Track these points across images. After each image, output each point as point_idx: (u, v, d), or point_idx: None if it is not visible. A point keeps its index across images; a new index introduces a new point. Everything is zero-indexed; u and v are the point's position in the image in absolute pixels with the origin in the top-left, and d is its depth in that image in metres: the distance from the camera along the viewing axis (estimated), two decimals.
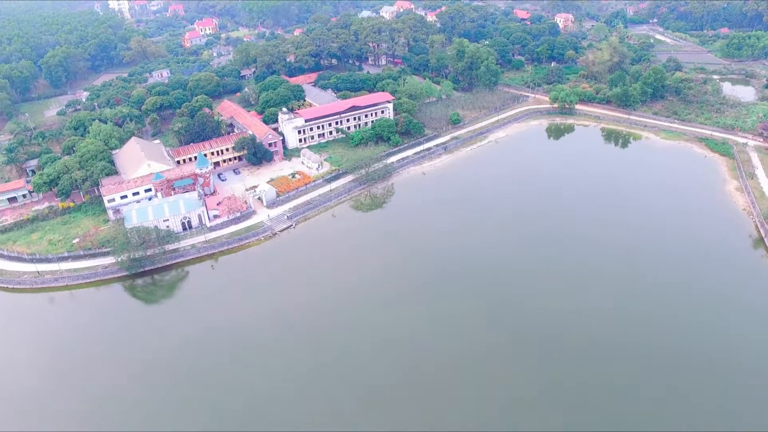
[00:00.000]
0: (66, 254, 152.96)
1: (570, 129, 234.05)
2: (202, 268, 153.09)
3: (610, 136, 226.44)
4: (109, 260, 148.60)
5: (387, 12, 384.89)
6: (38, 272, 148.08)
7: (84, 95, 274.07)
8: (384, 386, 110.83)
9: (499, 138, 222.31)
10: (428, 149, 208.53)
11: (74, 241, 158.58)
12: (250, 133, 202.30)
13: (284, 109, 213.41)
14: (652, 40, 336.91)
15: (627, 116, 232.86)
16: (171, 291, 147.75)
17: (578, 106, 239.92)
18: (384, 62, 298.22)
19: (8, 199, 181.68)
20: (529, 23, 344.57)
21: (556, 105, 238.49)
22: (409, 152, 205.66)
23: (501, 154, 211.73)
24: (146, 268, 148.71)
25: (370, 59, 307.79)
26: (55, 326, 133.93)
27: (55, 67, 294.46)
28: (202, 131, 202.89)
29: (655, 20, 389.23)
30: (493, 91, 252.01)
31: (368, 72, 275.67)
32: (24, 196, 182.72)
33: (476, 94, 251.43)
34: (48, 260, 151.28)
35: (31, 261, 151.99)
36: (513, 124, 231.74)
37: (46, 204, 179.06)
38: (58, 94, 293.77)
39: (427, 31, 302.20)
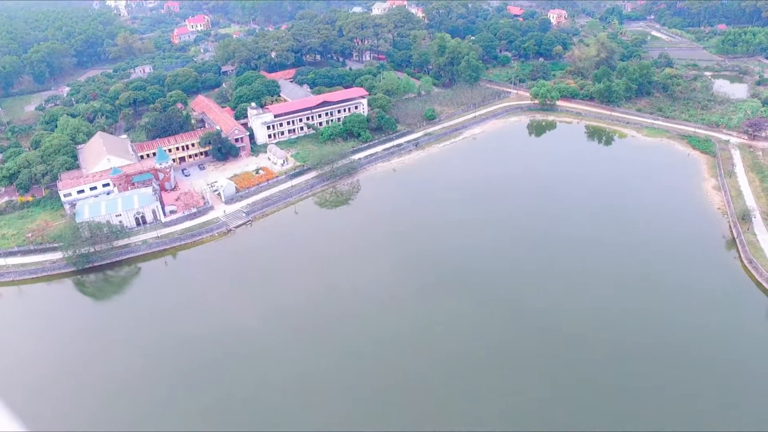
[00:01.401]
0: (15, 249, 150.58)
1: (551, 126, 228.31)
2: (155, 264, 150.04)
3: (592, 133, 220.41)
4: (57, 255, 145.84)
5: (378, 9, 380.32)
6: None
7: (66, 90, 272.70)
8: (364, 387, 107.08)
9: (475, 134, 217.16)
10: (398, 145, 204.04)
11: (27, 236, 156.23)
12: (217, 128, 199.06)
13: (253, 104, 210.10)
14: (649, 38, 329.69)
15: (610, 113, 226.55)
16: (119, 287, 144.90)
17: (560, 103, 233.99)
18: (368, 58, 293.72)
19: None
20: (521, 20, 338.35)
21: (537, 101, 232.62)
22: (379, 148, 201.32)
23: (475, 151, 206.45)
24: (95, 264, 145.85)
25: (354, 55, 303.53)
26: None
27: (38, 62, 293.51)
28: (169, 126, 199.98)
29: (652, 17, 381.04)
30: (474, 87, 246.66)
31: (350, 68, 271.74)
32: None
33: (456, 90, 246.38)
34: None
35: None
36: (491, 121, 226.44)
37: (6, 198, 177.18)
38: (41, 89, 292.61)
39: (413, 26, 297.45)
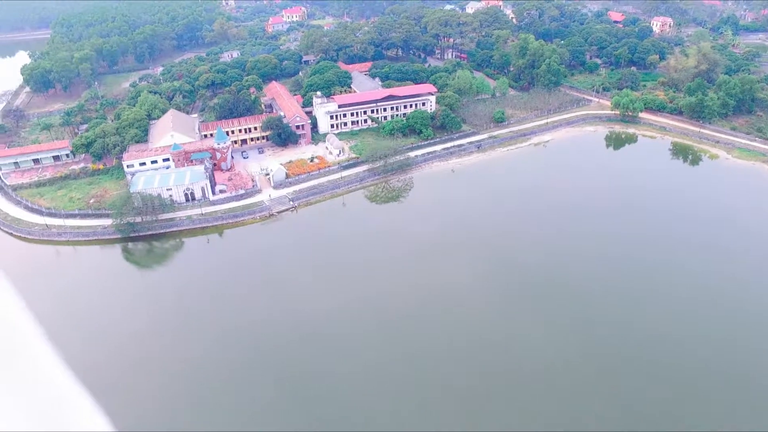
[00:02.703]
0: (76, 212, 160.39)
1: (631, 139, 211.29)
2: (197, 241, 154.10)
3: (676, 150, 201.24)
4: (109, 222, 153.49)
5: (472, 8, 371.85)
6: (47, 225, 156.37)
7: (159, 70, 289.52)
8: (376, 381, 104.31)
9: (544, 141, 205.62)
10: (460, 146, 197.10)
11: (89, 201, 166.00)
12: (281, 113, 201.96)
13: (318, 93, 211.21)
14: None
15: (699, 129, 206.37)
16: (162, 258, 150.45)
17: (644, 115, 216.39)
18: (450, 57, 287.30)
19: (53, 156, 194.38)
20: (620, 26, 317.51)
21: (617, 112, 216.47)
22: (438, 147, 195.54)
23: (542, 159, 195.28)
24: (140, 234, 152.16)
25: (436, 53, 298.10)
26: (46, 277, 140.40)
27: (141, 43, 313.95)
28: (236, 108, 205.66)
29: None
30: (553, 93, 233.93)
31: (430, 65, 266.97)
32: (67, 155, 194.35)
33: (534, 94, 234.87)
34: (58, 215, 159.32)
35: (45, 214, 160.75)
36: (564, 129, 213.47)
37: (82, 165, 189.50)
38: (140, 68, 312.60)
39: (501, 27, 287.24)
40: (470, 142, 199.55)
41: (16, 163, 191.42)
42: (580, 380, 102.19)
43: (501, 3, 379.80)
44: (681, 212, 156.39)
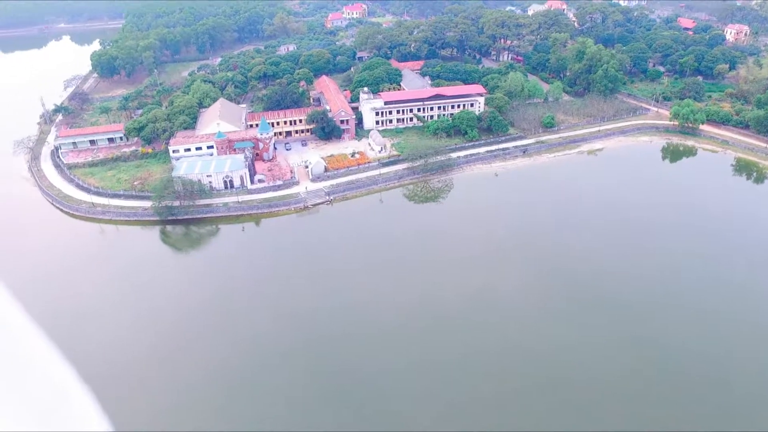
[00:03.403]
0: (121, 192, 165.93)
1: (689, 152, 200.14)
2: (232, 228, 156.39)
3: (740, 166, 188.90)
4: (149, 203, 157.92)
5: (533, 10, 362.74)
6: (92, 204, 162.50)
7: (217, 61, 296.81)
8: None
9: (594, 149, 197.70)
10: (504, 149, 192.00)
11: (134, 183, 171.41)
12: (327, 108, 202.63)
13: (365, 89, 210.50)
14: None
15: (766, 145, 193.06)
16: (197, 243, 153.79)
17: (705, 127, 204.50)
18: (505, 58, 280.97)
19: (108, 138, 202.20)
20: (690, 33, 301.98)
21: (676, 122, 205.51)
22: (482, 149, 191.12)
23: (591, 167, 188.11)
24: (177, 217, 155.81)
25: (492, 54, 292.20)
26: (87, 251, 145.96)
27: (202, 34, 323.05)
28: (283, 100, 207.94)
29: None
30: (608, 100, 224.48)
31: (483, 66, 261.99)
32: (120, 138, 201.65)
33: (588, 100, 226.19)
34: (104, 194, 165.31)
35: (92, 193, 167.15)
36: (617, 137, 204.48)
37: (133, 148, 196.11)
38: (201, 59, 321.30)
39: (560, 30, 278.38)
40: (516, 146, 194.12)
41: (74, 143, 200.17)
42: (620, 399, 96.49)
43: (564, 6, 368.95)
44: (742, 233, 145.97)
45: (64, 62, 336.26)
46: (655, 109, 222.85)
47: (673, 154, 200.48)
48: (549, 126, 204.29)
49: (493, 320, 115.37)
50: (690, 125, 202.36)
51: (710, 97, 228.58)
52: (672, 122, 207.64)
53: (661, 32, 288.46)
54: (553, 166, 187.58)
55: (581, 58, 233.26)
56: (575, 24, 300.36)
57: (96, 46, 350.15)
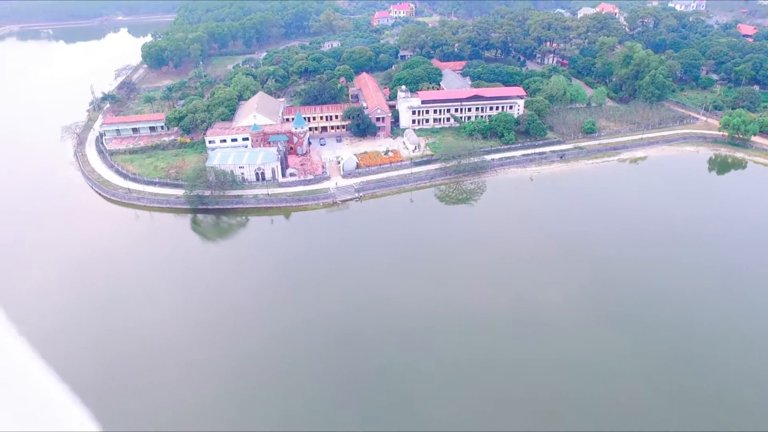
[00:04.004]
0: (156, 180, 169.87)
1: (739, 164, 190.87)
2: (261, 220, 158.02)
3: None
4: (182, 192, 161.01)
5: (584, 13, 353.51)
6: (129, 190, 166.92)
7: (262, 56, 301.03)
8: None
9: (636, 158, 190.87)
10: (541, 153, 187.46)
11: (170, 171, 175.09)
12: (364, 105, 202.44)
13: (403, 87, 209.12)
14: None
15: None
16: (223, 233, 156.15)
17: (757, 139, 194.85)
18: (550, 62, 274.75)
19: (150, 127, 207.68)
20: (751, 40, 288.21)
21: (726, 133, 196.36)
22: (518, 153, 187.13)
23: (631, 176, 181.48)
24: (208, 207, 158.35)
25: (537, 57, 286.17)
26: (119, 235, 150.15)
27: (249, 29, 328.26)
28: (321, 96, 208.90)
29: None
30: (654, 107, 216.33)
31: (527, 69, 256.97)
32: (161, 127, 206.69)
33: (633, 106, 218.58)
34: (140, 181, 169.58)
35: (129, 179, 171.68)
36: (660, 146, 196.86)
37: (173, 137, 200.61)
38: (247, 53, 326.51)
39: (609, 33, 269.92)
40: (553, 151, 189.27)
41: (118, 130, 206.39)
42: (661, 417, 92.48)
43: (617, 10, 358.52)
44: None
45: (120, 53, 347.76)
46: (704, 118, 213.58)
47: (720, 165, 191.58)
48: (589, 132, 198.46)
49: (526, 328, 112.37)
50: (740, 136, 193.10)
51: (766, 107, 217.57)
52: (721, 132, 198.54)
53: (717, 39, 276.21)
54: (591, 172, 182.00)
55: (628, 63, 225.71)
56: (626, 28, 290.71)
57: (150, 38, 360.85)
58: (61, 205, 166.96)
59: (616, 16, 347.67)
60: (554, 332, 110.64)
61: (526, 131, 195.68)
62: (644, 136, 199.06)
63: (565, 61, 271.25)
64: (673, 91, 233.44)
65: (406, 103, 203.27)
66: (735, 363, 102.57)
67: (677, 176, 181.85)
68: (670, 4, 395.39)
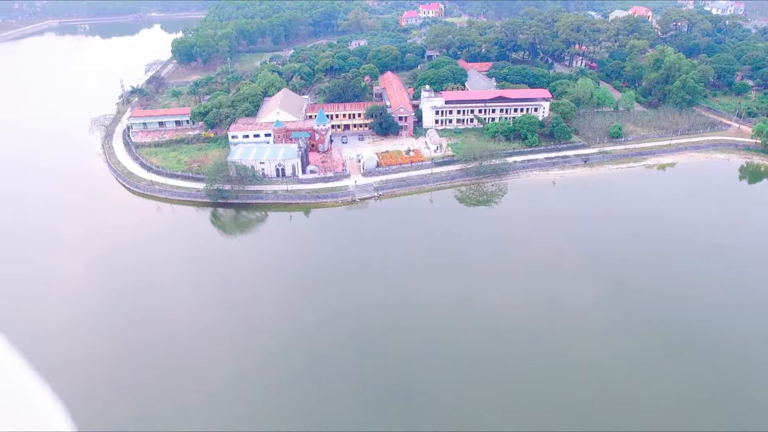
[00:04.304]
0: (179, 173, 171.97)
1: None
2: (279, 215, 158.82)
3: None
4: (202, 185, 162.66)
5: (616, 16, 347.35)
6: (151, 182, 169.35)
7: (289, 53, 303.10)
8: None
9: (663, 164, 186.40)
10: (565, 157, 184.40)
11: (193, 165, 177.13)
12: (387, 103, 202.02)
13: (427, 87, 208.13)
14: None
15: None
16: (242, 227, 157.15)
17: None
18: (579, 64, 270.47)
19: (175, 121, 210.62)
20: None
21: (759, 141, 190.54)
22: (541, 156, 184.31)
23: (655, 182, 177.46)
24: (228, 201, 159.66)
25: (566, 59, 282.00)
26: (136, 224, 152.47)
27: (278, 26, 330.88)
28: (344, 94, 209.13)
29: None
30: (684, 112, 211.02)
31: (554, 71, 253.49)
32: (187, 121, 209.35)
33: (662, 112, 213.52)
34: (163, 174, 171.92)
35: (153, 172, 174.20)
36: (689, 153, 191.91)
37: (198, 131, 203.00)
38: (275, 50, 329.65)
39: (640, 37, 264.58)
40: (577, 155, 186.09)
41: (144, 123, 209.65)
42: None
43: (650, 14, 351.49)
44: None
45: (152, 49, 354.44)
46: (737, 125, 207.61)
47: (752, 174, 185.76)
48: (615, 136, 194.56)
49: (547, 332, 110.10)
50: None
51: None
52: (754, 140, 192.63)
53: (754, 43, 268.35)
54: (616, 178, 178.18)
55: (658, 66, 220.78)
56: (658, 32, 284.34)
57: (181, 34, 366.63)
58: (84, 195, 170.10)
59: (649, 19, 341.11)
60: (577, 337, 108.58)
61: (551, 134, 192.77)
62: (672, 142, 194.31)
63: (593, 64, 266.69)
64: (705, 96, 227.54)
65: (430, 103, 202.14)
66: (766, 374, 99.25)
67: (706, 184, 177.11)
68: (707, 8, 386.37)
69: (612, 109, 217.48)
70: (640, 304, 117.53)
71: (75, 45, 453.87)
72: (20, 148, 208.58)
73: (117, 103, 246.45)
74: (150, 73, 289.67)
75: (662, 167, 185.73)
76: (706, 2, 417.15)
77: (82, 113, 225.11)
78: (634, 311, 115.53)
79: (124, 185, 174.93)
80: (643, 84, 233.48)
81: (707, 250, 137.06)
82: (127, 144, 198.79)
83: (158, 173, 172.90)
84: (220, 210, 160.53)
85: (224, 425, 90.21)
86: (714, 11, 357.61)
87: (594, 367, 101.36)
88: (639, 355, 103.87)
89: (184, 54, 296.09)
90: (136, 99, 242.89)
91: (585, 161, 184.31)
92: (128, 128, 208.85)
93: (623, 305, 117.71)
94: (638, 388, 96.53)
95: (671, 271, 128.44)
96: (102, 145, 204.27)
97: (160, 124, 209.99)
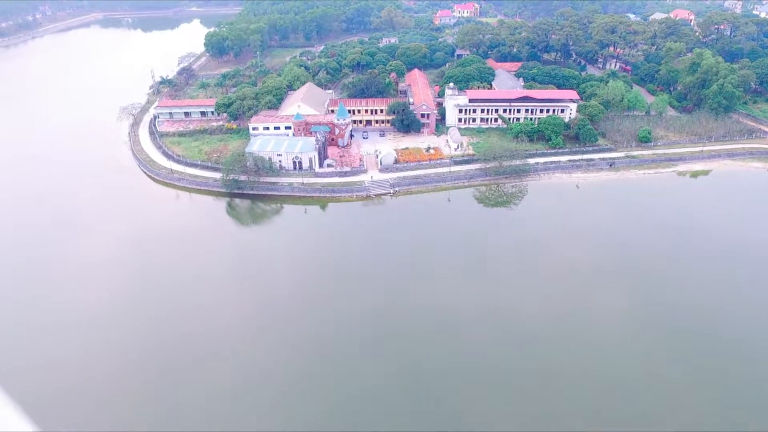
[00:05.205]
0: (198, 162, 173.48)
1: None
2: (295, 207, 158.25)
3: None
4: (219, 175, 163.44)
5: (655, 18, 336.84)
6: (171, 170, 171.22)
7: (319, 49, 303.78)
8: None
9: (693, 171, 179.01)
10: (589, 160, 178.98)
11: (213, 155, 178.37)
12: (410, 100, 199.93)
13: (451, 85, 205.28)
14: None
15: None
16: (257, 218, 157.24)
17: None
18: (613, 67, 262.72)
19: (200, 112, 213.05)
20: None
21: None
22: (564, 158, 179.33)
23: (686, 189, 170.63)
24: (244, 191, 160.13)
25: (599, 61, 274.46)
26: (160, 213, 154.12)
27: (309, 22, 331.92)
28: (368, 89, 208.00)
29: None
30: (721, 118, 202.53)
31: (586, 73, 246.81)
32: (211, 112, 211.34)
33: (696, 117, 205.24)
34: (183, 163, 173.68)
35: (173, 160, 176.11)
36: (722, 160, 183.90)
37: (221, 122, 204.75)
38: (307, 45, 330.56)
39: (678, 40, 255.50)
40: (602, 158, 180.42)
41: (171, 113, 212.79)
42: None
43: (692, 17, 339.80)
44: None
45: (188, 42, 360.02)
46: None
47: None
48: (644, 140, 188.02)
49: (567, 337, 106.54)
50: None
51: None
52: None
53: None
54: (642, 183, 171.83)
55: (695, 70, 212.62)
56: (698, 35, 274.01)
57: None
58: (107, 182, 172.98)
59: (691, 23, 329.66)
60: (598, 343, 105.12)
61: (576, 136, 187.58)
62: (705, 148, 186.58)
63: (627, 67, 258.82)
64: (745, 102, 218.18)
65: (453, 101, 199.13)
66: None
67: (739, 192, 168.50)
68: (755, 11, 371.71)
69: (643, 113, 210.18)
70: (664, 314, 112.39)
71: (117, 37, 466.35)
72: (55, 134, 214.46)
73: (147, 93, 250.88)
74: (182, 65, 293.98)
75: (694, 174, 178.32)
76: (755, 6, 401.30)
77: (115, 101, 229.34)
78: (658, 321, 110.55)
79: (145, 172, 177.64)
80: (678, 88, 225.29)
81: (736, 262, 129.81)
82: (152, 133, 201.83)
83: (178, 162, 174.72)
84: (237, 200, 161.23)
85: (237, 423, 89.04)
86: (762, 15, 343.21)
87: (617, 375, 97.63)
88: (662, 365, 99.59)
89: (216, 47, 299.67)
90: (166, 89, 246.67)
91: (611, 165, 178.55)
92: (155, 117, 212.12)
93: (646, 314, 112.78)
94: (660, 398, 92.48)
95: (698, 282, 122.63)
96: (129, 133, 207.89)
97: (186, 114, 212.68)
